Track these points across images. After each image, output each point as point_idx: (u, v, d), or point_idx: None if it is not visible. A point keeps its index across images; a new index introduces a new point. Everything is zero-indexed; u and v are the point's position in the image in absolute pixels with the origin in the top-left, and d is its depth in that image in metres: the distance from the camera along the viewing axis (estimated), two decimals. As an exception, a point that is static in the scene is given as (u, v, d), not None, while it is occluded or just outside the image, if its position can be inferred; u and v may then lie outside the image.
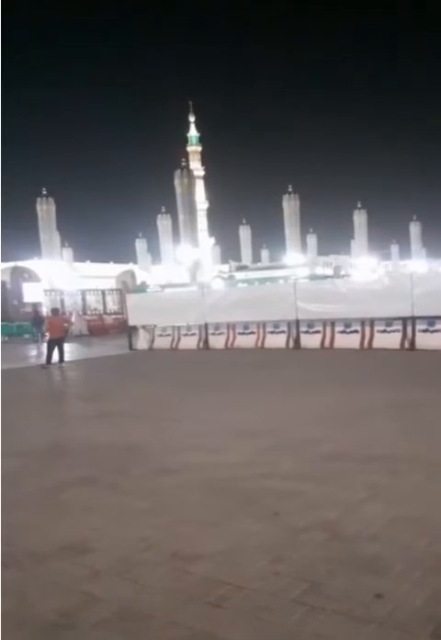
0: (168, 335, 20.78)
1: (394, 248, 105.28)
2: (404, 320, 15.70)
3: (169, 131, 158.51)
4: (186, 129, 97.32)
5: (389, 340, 15.80)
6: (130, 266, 77.38)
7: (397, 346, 15.58)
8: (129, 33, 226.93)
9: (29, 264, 59.50)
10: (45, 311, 34.07)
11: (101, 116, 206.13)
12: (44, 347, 19.55)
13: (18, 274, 45.31)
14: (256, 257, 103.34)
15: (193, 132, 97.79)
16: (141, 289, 41.51)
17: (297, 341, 17.61)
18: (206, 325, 19.59)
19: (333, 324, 17.00)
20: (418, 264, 77.06)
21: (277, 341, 18.00)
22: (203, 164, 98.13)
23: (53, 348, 17.17)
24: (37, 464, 6.49)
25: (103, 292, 42.69)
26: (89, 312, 39.51)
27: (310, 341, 17.25)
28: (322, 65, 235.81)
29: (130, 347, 21.12)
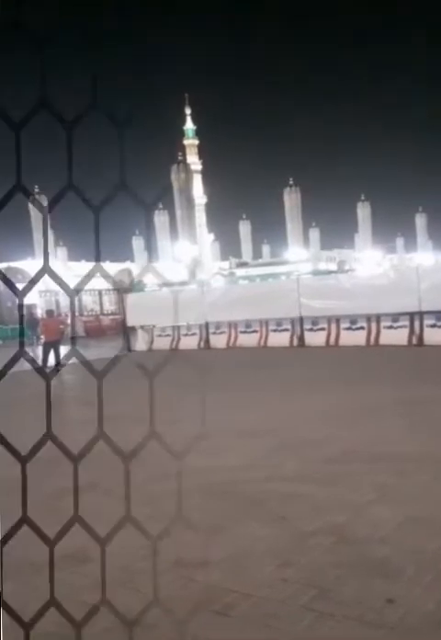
0: (168, 335, 20.62)
1: (399, 241, 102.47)
2: (411, 315, 15.47)
3: (166, 126, 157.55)
4: (183, 122, 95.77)
5: (396, 336, 15.60)
6: (127, 264, 77.14)
7: (404, 342, 15.40)
8: (128, 33, 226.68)
9: (22, 265, 59.05)
10: (40, 312, 33.82)
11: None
12: (39, 350, 19.25)
13: (11, 275, 44.97)
14: (257, 253, 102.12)
15: (189, 125, 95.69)
16: (139, 288, 41.31)
17: (301, 339, 17.45)
18: (206, 325, 19.44)
19: (338, 320, 16.77)
20: (424, 257, 74.75)
21: (280, 339, 17.84)
22: (200, 157, 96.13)
23: (49, 351, 16.67)
24: (36, 470, 6.35)
25: (100, 292, 42.43)
26: (86, 313, 39.30)
27: (315, 339, 17.09)
28: (323, 55, 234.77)
29: (129, 348, 20.88)
